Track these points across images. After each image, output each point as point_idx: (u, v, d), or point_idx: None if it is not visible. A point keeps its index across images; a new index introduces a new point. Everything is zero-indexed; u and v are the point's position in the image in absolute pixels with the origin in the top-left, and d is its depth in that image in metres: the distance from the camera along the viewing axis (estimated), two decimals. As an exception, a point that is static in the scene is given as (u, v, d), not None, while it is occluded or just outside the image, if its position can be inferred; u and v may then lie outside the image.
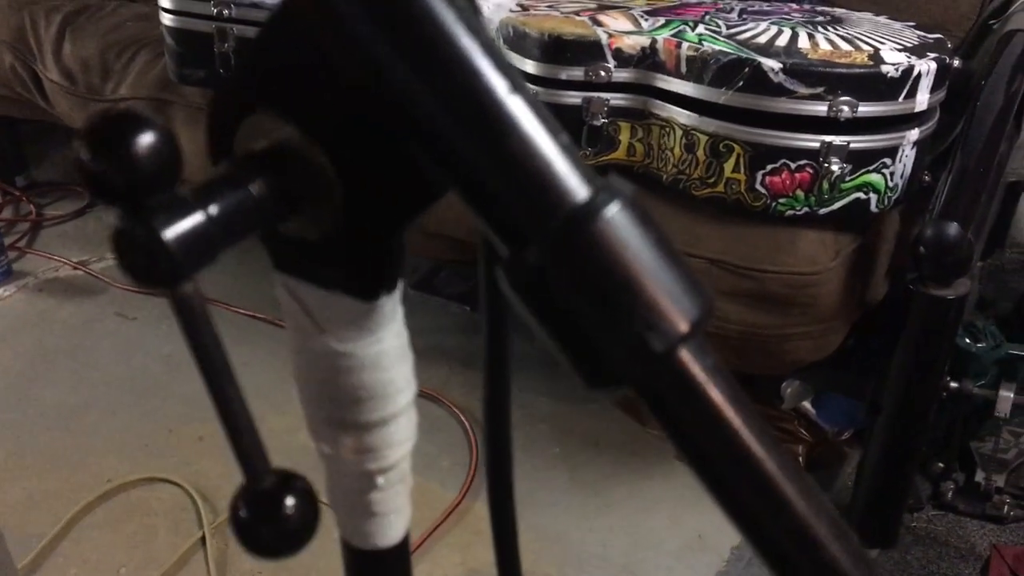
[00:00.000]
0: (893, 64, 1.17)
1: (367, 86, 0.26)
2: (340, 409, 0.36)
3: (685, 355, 0.25)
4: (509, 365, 0.39)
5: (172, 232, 0.26)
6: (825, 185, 1.20)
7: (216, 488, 1.55)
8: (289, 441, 1.65)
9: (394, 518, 0.41)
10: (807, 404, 1.62)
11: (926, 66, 1.18)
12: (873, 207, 1.24)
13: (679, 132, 1.25)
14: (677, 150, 1.27)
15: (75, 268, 2.23)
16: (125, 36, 1.91)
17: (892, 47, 1.22)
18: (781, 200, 1.21)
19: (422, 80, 0.25)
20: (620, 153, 1.33)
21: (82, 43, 1.94)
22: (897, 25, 1.38)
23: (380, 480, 0.39)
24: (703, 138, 1.23)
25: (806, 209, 1.22)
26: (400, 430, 0.38)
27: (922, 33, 1.33)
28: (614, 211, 0.24)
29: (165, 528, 1.48)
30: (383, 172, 0.29)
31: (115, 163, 0.25)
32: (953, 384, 1.37)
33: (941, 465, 1.53)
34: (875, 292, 1.34)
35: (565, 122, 1.31)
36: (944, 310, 1.19)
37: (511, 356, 0.38)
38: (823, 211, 1.22)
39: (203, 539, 1.45)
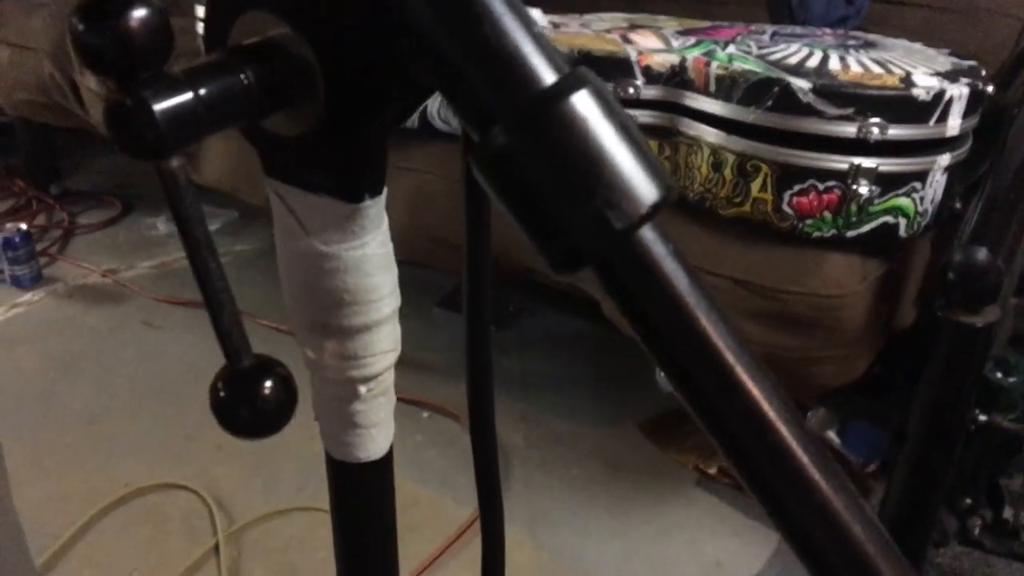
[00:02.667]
0: (924, 87, 1.15)
1: None
2: (324, 312, 0.36)
3: (646, 235, 0.27)
4: (488, 299, 0.40)
5: (162, 105, 0.27)
6: (853, 207, 1.18)
7: (232, 496, 1.54)
8: (303, 451, 1.64)
9: (375, 432, 0.41)
10: (832, 434, 1.59)
11: (958, 91, 1.17)
12: (902, 232, 1.23)
13: (707, 151, 1.25)
14: (704, 168, 1.26)
15: (103, 276, 2.26)
16: (162, 47, 1.94)
17: (924, 71, 1.21)
18: (808, 221, 1.20)
19: None
20: (647, 171, 1.33)
21: (120, 53, 1.97)
22: (931, 51, 1.37)
23: (362, 389, 0.39)
24: (731, 157, 1.22)
25: (833, 231, 1.20)
26: (383, 340, 0.38)
27: (956, 59, 1.32)
28: (580, 95, 0.26)
29: (179, 534, 1.48)
30: (363, 68, 0.30)
31: (109, 35, 0.26)
32: (982, 417, 1.34)
33: (968, 501, 1.49)
34: (902, 319, 1.31)
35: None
36: (972, 338, 1.16)
37: (489, 281, 0.39)
38: (851, 234, 1.21)
39: (216, 547, 1.45)
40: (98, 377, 1.88)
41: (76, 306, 2.16)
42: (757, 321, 1.24)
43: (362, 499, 0.42)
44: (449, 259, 1.51)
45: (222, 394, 0.31)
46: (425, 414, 1.76)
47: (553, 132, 0.25)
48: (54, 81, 2.11)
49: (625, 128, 0.26)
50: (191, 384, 1.84)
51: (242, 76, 0.29)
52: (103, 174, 2.82)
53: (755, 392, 0.28)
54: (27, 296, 2.17)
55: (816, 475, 0.27)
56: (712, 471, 1.61)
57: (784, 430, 0.28)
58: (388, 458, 0.42)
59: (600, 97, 0.26)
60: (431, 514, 1.51)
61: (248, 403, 0.31)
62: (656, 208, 0.26)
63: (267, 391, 0.31)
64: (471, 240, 0.38)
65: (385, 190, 0.35)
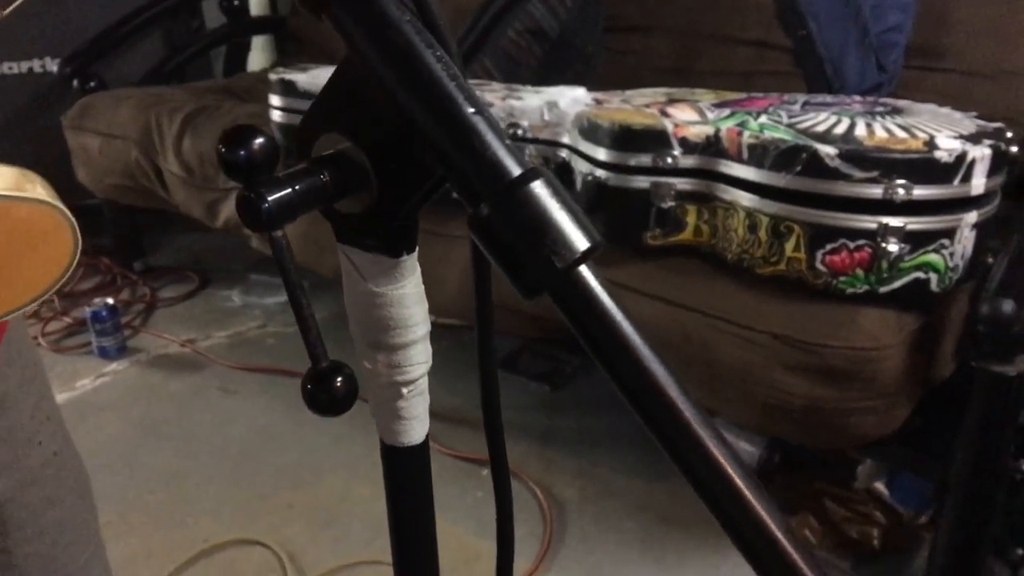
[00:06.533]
0: (947, 150, 1.22)
1: (392, 114, 0.42)
2: (376, 334, 0.50)
3: (582, 272, 0.38)
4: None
5: (271, 197, 0.41)
6: (884, 264, 1.25)
7: (303, 551, 1.63)
8: (371, 508, 1.72)
9: (415, 423, 0.54)
10: (881, 486, 1.62)
11: (980, 152, 1.23)
12: (934, 287, 1.28)
13: (742, 214, 1.33)
14: (741, 231, 1.34)
15: (183, 346, 2.40)
16: (238, 132, 2.10)
17: (948, 134, 1.28)
18: (842, 278, 1.27)
19: (424, 110, 0.41)
20: (688, 234, 1.41)
21: (200, 139, 2.13)
22: (958, 115, 1.44)
23: (404, 391, 0.52)
24: (765, 219, 1.29)
25: (866, 287, 1.26)
26: (419, 354, 0.51)
27: (982, 122, 1.38)
28: (536, 183, 0.38)
29: (254, 586, 1.57)
30: (399, 169, 0.44)
31: (240, 154, 0.41)
32: (1027, 466, 1.37)
33: (1020, 551, 1.50)
34: (941, 371, 1.36)
35: (634, 205, 1.40)
36: (1007, 387, 1.21)
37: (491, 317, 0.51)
38: (883, 289, 1.27)
39: (289, 598, 1.53)
40: (178, 440, 2.00)
41: (158, 374, 2.29)
42: (797, 374, 1.30)
43: (406, 475, 0.56)
44: (505, 322, 1.60)
45: (309, 386, 0.45)
46: (484, 471, 1.83)
47: (518, 207, 0.38)
48: (140, 166, 2.29)
49: (566, 202, 0.38)
50: (265, 445, 1.94)
51: (321, 176, 0.43)
52: (182, 251, 3.00)
53: (665, 386, 0.39)
54: (113, 366, 2.32)
55: (718, 455, 0.38)
56: (764, 525, 1.64)
57: (701, 431, 0.39)
58: (425, 444, 0.55)
59: (549, 184, 0.38)
60: (489, 570, 1.57)
61: (326, 392, 0.44)
62: (587, 254, 0.38)
63: (338, 384, 0.45)
64: (479, 285, 0.49)
65: (417, 248, 0.49)
